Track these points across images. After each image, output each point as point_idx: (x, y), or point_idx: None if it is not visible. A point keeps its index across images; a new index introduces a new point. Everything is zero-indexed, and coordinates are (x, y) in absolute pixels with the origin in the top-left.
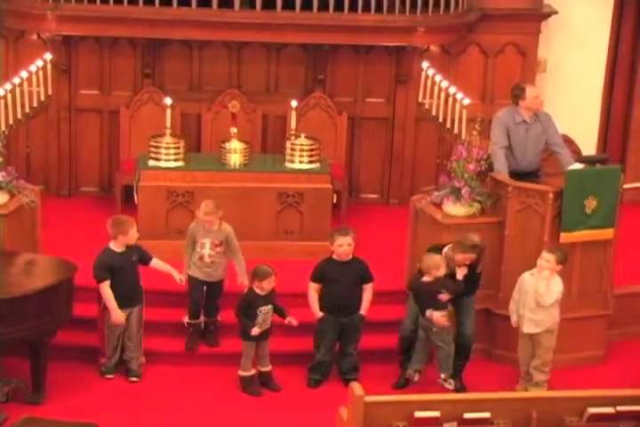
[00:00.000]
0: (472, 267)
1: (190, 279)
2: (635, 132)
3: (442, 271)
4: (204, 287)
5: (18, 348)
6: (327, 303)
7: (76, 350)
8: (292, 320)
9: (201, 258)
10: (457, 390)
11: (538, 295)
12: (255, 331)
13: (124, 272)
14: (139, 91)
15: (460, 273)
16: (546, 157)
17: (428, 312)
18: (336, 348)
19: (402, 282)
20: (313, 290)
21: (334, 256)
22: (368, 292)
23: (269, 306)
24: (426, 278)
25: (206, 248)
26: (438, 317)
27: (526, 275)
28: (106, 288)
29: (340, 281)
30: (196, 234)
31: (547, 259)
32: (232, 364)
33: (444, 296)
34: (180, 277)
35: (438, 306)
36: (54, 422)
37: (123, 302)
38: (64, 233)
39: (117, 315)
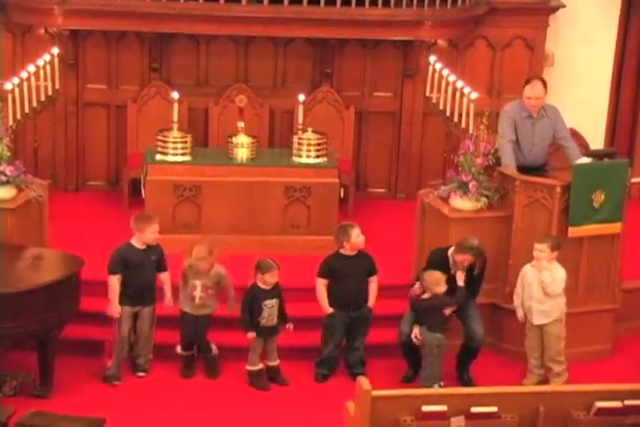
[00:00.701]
0: (470, 269)
1: (182, 313)
2: None
3: (442, 288)
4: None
5: (25, 342)
6: (337, 299)
7: (84, 344)
8: (291, 327)
9: (192, 299)
10: (465, 384)
11: (545, 286)
12: (251, 335)
13: (141, 270)
14: (146, 85)
15: (460, 278)
16: (553, 151)
17: (414, 327)
18: (342, 342)
19: (409, 276)
20: (322, 286)
21: (342, 251)
22: (374, 284)
23: (274, 300)
24: (426, 295)
25: (197, 290)
26: (413, 336)
27: (527, 267)
28: (114, 281)
29: (350, 275)
30: (187, 274)
31: (540, 249)
32: (239, 359)
33: (447, 311)
34: (169, 303)
35: (437, 321)
36: (61, 416)
37: (132, 299)
38: (71, 227)
39: (115, 309)
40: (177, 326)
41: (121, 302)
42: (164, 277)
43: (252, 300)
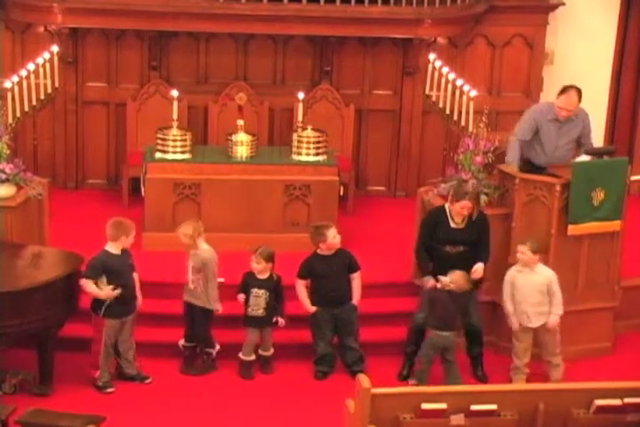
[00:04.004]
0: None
1: (183, 303)
2: None
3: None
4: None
5: (25, 340)
6: (319, 297)
7: (84, 342)
8: (282, 322)
9: (186, 282)
10: (480, 380)
11: (549, 290)
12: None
13: (125, 276)
14: (145, 83)
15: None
16: None
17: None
18: (334, 341)
19: (408, 274)
20: (301, 286)
21: (319, 251)
22: (357, 281)
23: (262, 291)
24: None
25: (189, 273)
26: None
27: (512, 272)
28: (90, 284)
29: (330, 275)
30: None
31: (521, 251)
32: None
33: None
34: (138, 303)
35: (456, 323)
36: (62, 414)
37: (122, 310)
38: (71, 225)
39: (108, 293)
40: (173, 323)
41: (109, 315)
42: (136, 278)
43: (244, 285)
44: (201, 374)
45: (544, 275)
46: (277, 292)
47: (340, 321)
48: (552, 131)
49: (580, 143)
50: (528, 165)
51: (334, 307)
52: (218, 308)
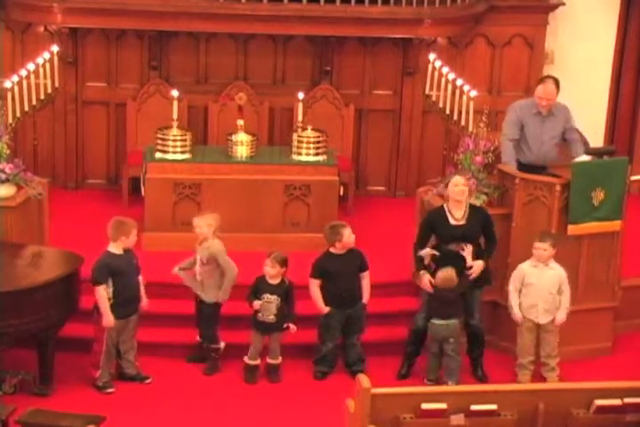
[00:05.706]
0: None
1: (195, 299)
2: None
3: (456, 280)
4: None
5: (25, 340)
6: (332, 297)
7: (84, 342)
8: (293, 328)
9: (194, 275)
10: (480, 380)
11: (562, 284)
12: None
13: (128, 275)
14: (145, 83)
15: (467, 253)
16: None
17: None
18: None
19: (408, 274)
20: (316, 286)
21: (333, 250)
22: (367, 280)
23: (274, 297)
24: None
25: (197, 265)
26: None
27: (525, 267)
28: (102, 291)
29: (343, 274)
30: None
31: (543, 248)
32: (242, 357)
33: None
34: (143, 304)
35: (455, 311)
36: (61, 413)
37: (125, 309)
38: (71, 225)
39: (110, 319)
40: (173, 323)
41: (113, 314)
42: (140, 280)
43: (256, 290)
44: (208, 375)
45: (559, 270)
46: (288, 297)
47: (350, 320)
48: (537, 125)
49: (565, 138)
50: (518, 165)
51: (348, 307)
52: (224, 297)
